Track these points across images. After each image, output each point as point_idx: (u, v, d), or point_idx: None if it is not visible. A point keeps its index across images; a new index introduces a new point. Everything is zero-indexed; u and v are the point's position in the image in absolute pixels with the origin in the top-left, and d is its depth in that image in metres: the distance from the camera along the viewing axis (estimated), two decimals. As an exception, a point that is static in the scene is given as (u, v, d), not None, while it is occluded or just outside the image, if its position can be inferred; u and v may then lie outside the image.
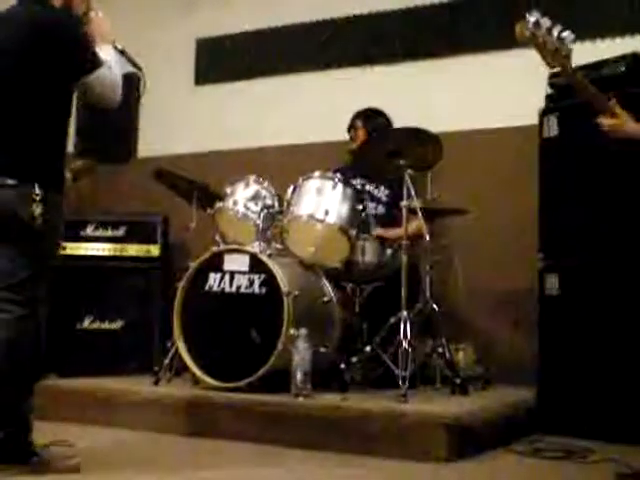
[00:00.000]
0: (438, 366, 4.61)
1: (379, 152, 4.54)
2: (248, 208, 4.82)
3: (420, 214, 4.37)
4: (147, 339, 5.55)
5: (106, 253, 5.75)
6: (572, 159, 4.41)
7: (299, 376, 4.14)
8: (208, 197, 5.00)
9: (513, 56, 4.84)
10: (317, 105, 5.96)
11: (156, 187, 5.26)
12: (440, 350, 4.49)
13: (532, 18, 3.07)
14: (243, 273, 4.46)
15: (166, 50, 6.50)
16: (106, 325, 5.65)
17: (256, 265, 4.44)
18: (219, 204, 4.88)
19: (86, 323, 5.66)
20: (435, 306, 4.52)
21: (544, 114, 4.57)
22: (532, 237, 4.58)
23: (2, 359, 3.27)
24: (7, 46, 3.34)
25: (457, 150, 4.81)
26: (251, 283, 4.43)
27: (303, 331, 4.18)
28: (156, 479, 3.40)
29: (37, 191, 3.26)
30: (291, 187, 4.68)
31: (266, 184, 4.89)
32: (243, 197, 4.86)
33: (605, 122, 3.27)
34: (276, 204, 4.81)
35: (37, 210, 3.25)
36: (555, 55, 3.12)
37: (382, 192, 5.25)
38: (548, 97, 4.59)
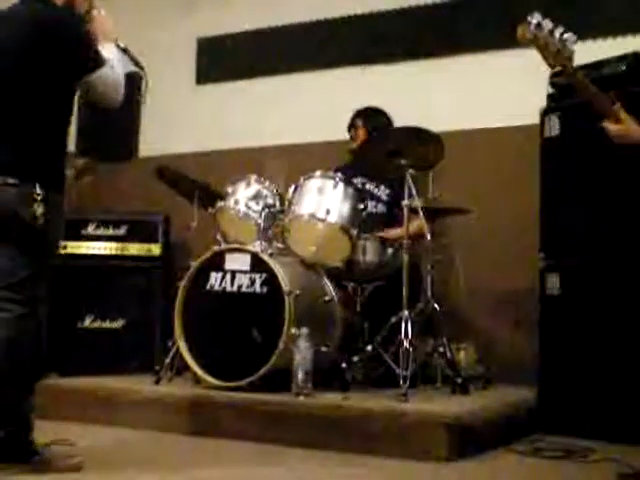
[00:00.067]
0: (439, 365, 4.61)
1: (380, 151, 4.54)
2: (249, 207, 4.82)
3: (421, 213, 4.38)
4: (148, 338, 5.55)
5: (107, 252, 5.75)
6: (573, 159, 4.41)
7: (300, 375, 4.14)
8: (209, 196, 5.00)
9: (513, 55, 4.84)
10: (317, 105, 5.96)
11: (157, 186, 5.26)
12: (441, 349, 4.49)
13: (534, 20, 3.07)
14: (244, 272, 4.46)
15: (167, 49, 6.51)
16: (107, 324, 5.65)
17: (257, 264, 4.44)
18: (220, 203, 4.88)
19: (87, 322, 5.66)
20: (436, 305, 4.52)
21: (545, 113, 4.56)
22: (533, 237, 4.58)
23: (2, 358, 3.27)
24: (9, 45, 3.34)
25: (457, 150, 4.81)
26: (252, 282, 4.43)
27: (304, 330, 4.18)
28: (157, 478, 3.40)
29: (38, 191, 3.26)
30: (292, 186, 4.68)
31: (267, 183, 4.89)
32: (244, 196, 4.86)
33: (611, 128, 3.25)
34: (277, 203, 4.81)
35: (38, 210, 3.25)
36: (557, 57, 3.12)
37: (382, 191, 5.25)
38: (550, 96, 4.58)
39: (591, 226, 4.31)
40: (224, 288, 4.49)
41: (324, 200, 4.57)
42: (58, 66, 3.33)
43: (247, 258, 4.47)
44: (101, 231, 5.79)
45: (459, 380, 4.41)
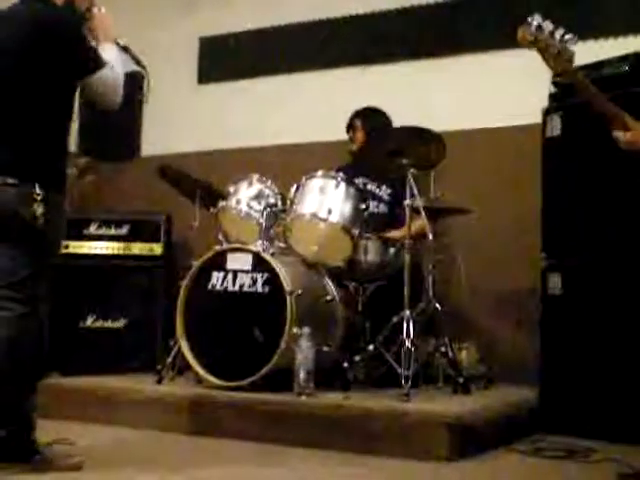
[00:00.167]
0: (441, 365, 4.61)
1: (381, 151, 4.54)
2: (251, 207, 4.82)
3: (423, 213, 4.38)
4: (150, 338, 5.55)
5: (109, 252, 5.75)
6: (575, 159, 4.41)
7: (302, 375, 4.14)
8: (211, 196, 5.00)
9: (513, 55, 4.82)
10: (319, 104, 5.96)
11: (159, 186, 5.26)
12: (443, 349, 4.48)
13: (534, 22, 3.07)
14: (246, 272, 4.46)
15: (169, 49, 6.51)
16: (109, 324, 5.65)
17: (259, 264, 4.44)
18: (222, 203, 4.88)
19: (89, 322, 5.66)
20: (438, 305, 4.52)
21: (547, 113, 4.56)
22: (534, 236, 4.58)
23: (3, 357, 3.27)
24: (9, 45, 3.34)
25: (458, 150, 4.80)
26: (254, 282, 4.44)
27: (306, 330, 4.18)
28: (158, 478, 3.40)
29: (38, 191, 3.26)
30: (294, 186, 4.68)
31: (269, 183, 4.90)
32: (246, 196, 4.86)
33: (621, 138, 3.22)
34: (279, 203, 4.81)
35: (38, 210, 3.26)
36: (558, 58, 3.12)
37: (384, 191, 5.25)
38: (551, 96, 4.58)
39: (593, 226, 4.31)
40: (226, 288, 4.49)
41: (326, 200, 4.57)
42: (58, 66, 3.33)
43: (249, 258, 4.48)
44: (103, 231, 5.79)
45: (461, 380, 4.41)
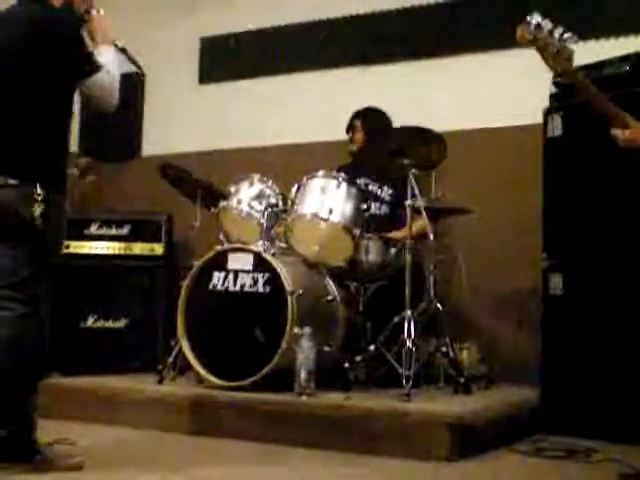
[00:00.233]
0: (442, 365, 4.61)
1: (382, 152, 4.54)
2: (252, 207, 4.82)
3: (424, 214, 4.38)
4: (151, 338, 5.55)
5: (110, 252, 5.75)
6: (576, 159, 4.41)
7: (303, 375, 4.14)
8: (212, 196, 5.01)
9: (513, 55, 4.83)
10: (319, 104, 5.96)
11: (160, 186, 5.26)
12: (444, 349, 4.48)
13: (533, 20, 3.07)
14: (247, 272, 4.46)
15: (170, 49, 6.51)
16: (110, 324, 5.65)
17: (260, 264, 4.44)
18: (223, 203, 4.88)
19: (90, 322, 5.66)
20: (439, 305, 4.52)
21: (548, 113, 4.56)
22: (535, 237, 4.58)
23: (4, 357, 3.28)
24: (7, 46, 3.35)
25: (458, 150, 4.80)
26: (255, 282, 4.44)
27: (307, 330, 4.18)
28: (158, 478, 3.40)
29: (39, 191, 3.27)
30: (295, 186, 4.67)
31: (270, 183, 4.90)
32: (247, 196, 4.86)
33: (619, 135, 3.22)
34: (280, 203, 4.81)
35: (38, 210, 3.26)
36: (557, 57, 3.11)
37: (385, 192, 5.24)
38: (552, 96, 4.58)
39: (594, 226, 4.31)
40: (227, 288, 4.49)
41: (327, 200, 4.56)
42: (56, 67, 3.33)
43: (250, 258, 4.48)
44: (104, 231, 5.79)
45: (462, 380, 4.41)
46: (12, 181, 3.27)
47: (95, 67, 3.36)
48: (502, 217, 5.23)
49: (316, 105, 5.98)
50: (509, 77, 5.32)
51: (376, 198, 5.18)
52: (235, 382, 4.31)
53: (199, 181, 5.06)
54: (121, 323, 5.65)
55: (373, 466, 3.64)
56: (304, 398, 4.11)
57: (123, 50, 3.64)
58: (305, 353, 4.15)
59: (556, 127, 4.51)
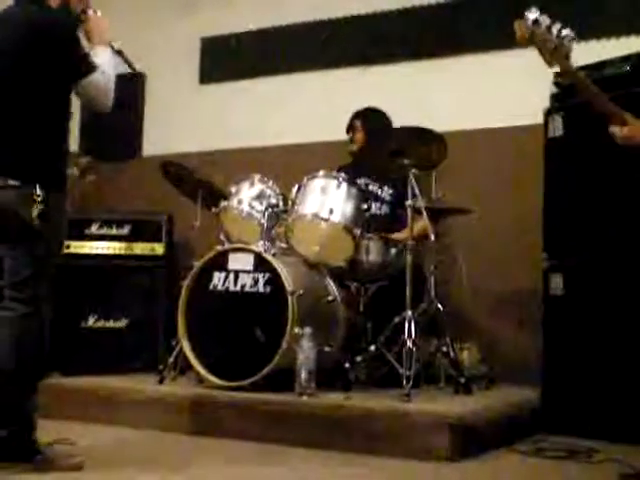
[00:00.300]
0: (442, 365, 4.61)
1: (382, 152, 4.54)
2: (253, 207, 4.82)
3: (425, 214, 4.38)
4: (152, 338, 5.55)
5: (111, 252, 5.75)
6: (577, 159, 4.41)
7: (303, 375, 4.14)
8: (213, 196, 5.01)
9: (514, 56, 4.82)
10: (320, 105, 5.96)
11: (161, 186, 5.27)
12: (444, 349, 4.48)
13: (531, 16, 3.06)
14: (247, 272, 4.46)
15: (170, 49, 6.52)
16: (110, 324, 5.64)
17: (260, 264, 4.44)
18: (224, 203, 4.88)
19: (90, 322, 5.65)
20: (439, 305, 4.52)
21: (549, 114, 4.56)
22: (536, 237, 4.58)
23: (6, 357, 3.28)
24: (4, 47, 3.36)
25: (459, 150, 4.79)
26: (255, 282, 4.44)
27: (307, 330, 4.18)
28: (159, 477, 3.40)
29: (38, 192, 3.27)
30: (296, 186, 4.67)
31: (271, 183, 4.90)
32: (248, 196, 4.86)
33: (617, 131, 3.22)
34: (281, 203, 4.81)
35: (37, 210, 3.26)
36: (554, 54, 3.10)
37: (386, 192, 5.24)
38: (553, 96, 4.58)
39: (594, 226, 4.30)
40: (227, 288, 4.49)
41: (327, 200, 4.56)
42: (53, 68, 3.33)
43: (250, 258, 4.48)
44: (104, 231, 5.78)
45: (462, 380, 4.41)
46: (12, 182, 3.28)
47: (90, 67, 3.36)
48: (502, 217, 5.23)
49: (317, 105, 5.98)
50: (510, 77, 5.32)
51: (376, 198, 5.17)
52: (235, 382, 4.31)
53: (200, 181, 5.05)
54: (122, 323, 5.65)
55: (373, 466, 3.64)
56: (304, 398, 4.11)
57: (119, 52, 3.62)
58: (305, 353, 4.15)
59: (557, 127, 4.51)
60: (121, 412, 4.43)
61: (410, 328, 4.20)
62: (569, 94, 4.34)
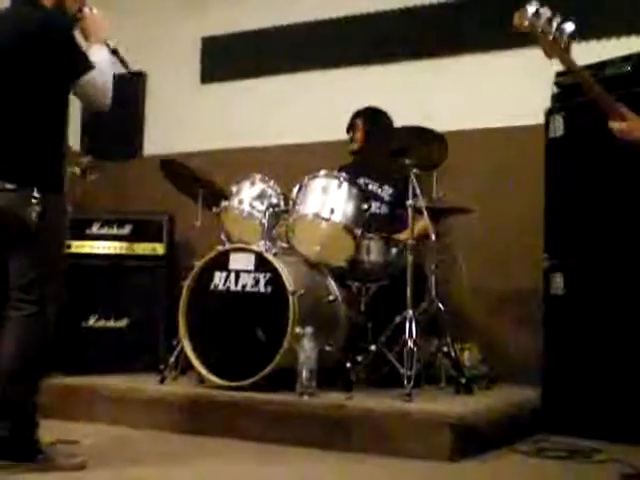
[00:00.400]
0: (443, 365, 4.61)
1: (383, 151, 4.54)
2: (254, 207, 4.82)
3: (426, 214, 4.38)
4: (153, 337, 5.54)
5: (111, 251, 5.74)
6: (578, 159, 4.41)
7: (304, 375, 4.14)
8: (214, 196, 5.01)
9: (515, 56, 4.84)
10: (321, 104, 5.96)
11: (161, 185, 5.26)
12: (445, 349, 4.49)
13: (531, 8, 3.05)
14: (248, 272, 4.46)
15: (172, 49, 6.52)
16: (112, 323, 5.64)
17: (261, 264, 4.44)
18: (225, 203, 4.88)
19: (92, 321, 5.64)
20: (440, 305, 4.52)
21: (550, 114, 4.56)
22: (536, 237, 4.59)
23: (14, 357, 3.29)
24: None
25: (460, 149, 4.80)
26: (256, 282, 4.44)
27: (308, 330, 4.18)
28: (160, 477, 3.41)
29: (36, 194, 3.26)
30: (297, 186, 4.68)
31: (271, 183, 4.90)
32: (249, 196, 4.86)
33: (616, 127, 3.22)
34: (281, 203, 4.81)
35: (35, 213, 3.26)
36: (554, 46, 3.09)
37: (386, 192, 5.24)
38: (554, 97, 4.58)
39: (595, 226, 4.31)
40: (228, 288, 4.49)
41: (328, 199, 4.57)
42: (50, 68, 3.33)
43: (251, 258, 4.48)
44: (105, 230, 5.78)
45: (463, 380, 4.42)
46: (10, 185, 3.28)
47: (88, 66, 3.35)
48: (503, 217, 5.23)
49: (318, 105, 5.98)
50: (510, 77, 5.32)
51: (376, 198, 5.17)
52: (236, 382, 4.32)
53: (201, 180, 5.05)
54: (123, 323, 5.64)
55: (374, 466, 3.65)
56: (306, 398, 4.12)
57: (114, 51, 3.59)
58: (306, 353, 4.15)
59: (558, 127, 4.51)
60: (122, 412, 4.44)
61: (411, 328, 4.20)
62: (570, 94, 4.35)
